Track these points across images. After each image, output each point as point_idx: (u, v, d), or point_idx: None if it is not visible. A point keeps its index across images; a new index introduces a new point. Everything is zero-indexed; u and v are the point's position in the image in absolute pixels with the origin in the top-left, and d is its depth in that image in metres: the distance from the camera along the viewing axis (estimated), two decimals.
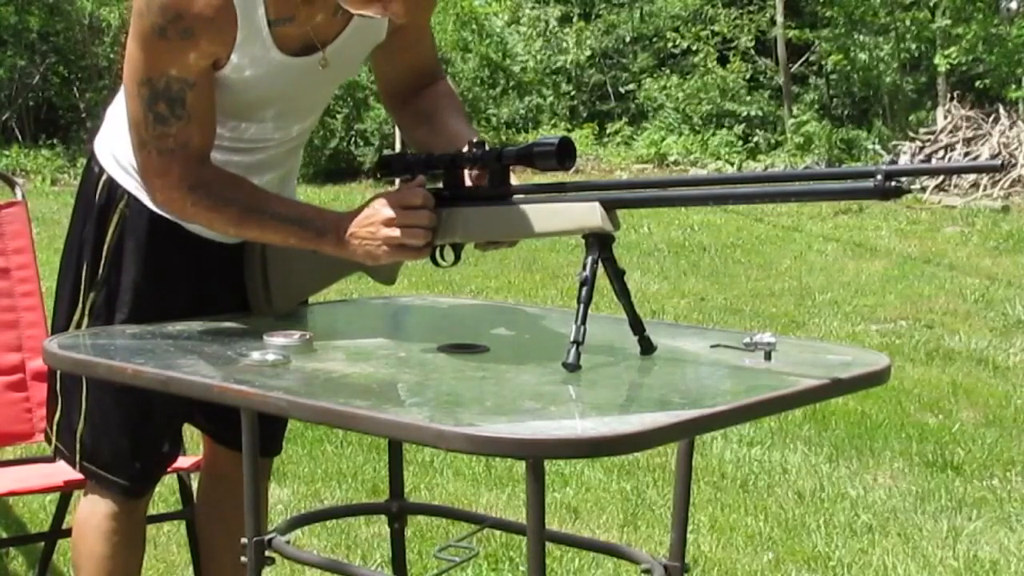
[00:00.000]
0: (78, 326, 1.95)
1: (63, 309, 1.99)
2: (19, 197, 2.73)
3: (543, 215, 1.68)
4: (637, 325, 1.68)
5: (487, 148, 1.75)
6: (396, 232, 1.72)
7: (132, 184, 1.93)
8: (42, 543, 2.72)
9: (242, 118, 1.87)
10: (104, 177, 1.95)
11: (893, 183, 1.41)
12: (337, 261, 1.88)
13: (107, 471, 1.97)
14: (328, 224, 1.77)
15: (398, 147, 10.26)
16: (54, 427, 2.02)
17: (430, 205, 1.73)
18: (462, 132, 1.89)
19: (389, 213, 1.72)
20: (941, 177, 10.53)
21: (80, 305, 1.96)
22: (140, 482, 2.01)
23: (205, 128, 1.77)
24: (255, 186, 1.82)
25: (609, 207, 1.61)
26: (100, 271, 1.94)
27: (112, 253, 1.94)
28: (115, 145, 1.95)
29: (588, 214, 1.62)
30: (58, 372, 1.98)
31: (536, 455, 1.32)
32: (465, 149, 1.77)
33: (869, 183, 1.42)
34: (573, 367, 1.54)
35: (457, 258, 1.82)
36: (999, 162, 1.48)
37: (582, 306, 1.55)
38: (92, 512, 2.00)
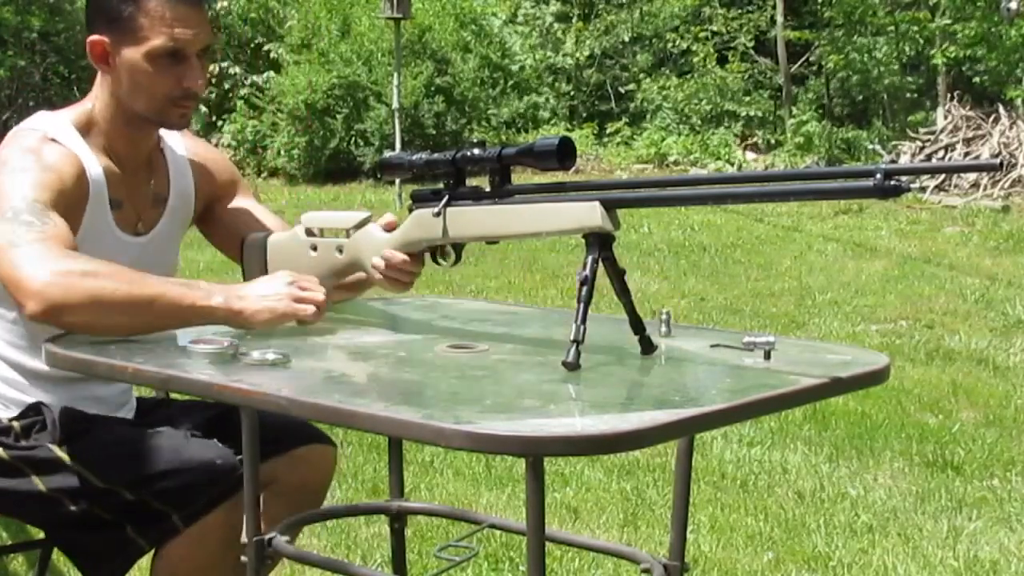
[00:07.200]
0: None
1: None
2: None
3: (544, 215, 1.68)
4: (637, 325, 1.68)
5: (487, 148, 1.75)
6: (296, 291, 1.79)
7: None
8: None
9: None
10: None
11: (892, 182, 1.41)
12: (337, 262, 1.89)
13: (208, 495, 1.86)
14: (215, 286, 1.79)
15: (398, 147, 10.24)
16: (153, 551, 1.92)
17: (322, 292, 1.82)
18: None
19: (289, 278, 1.82)
20: (941, 177, 10.51)
21: None
22: (234, 471, 1.86)
23: (70, 236, 1.82)
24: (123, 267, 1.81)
25: (609, 207, 1.62)
26: None
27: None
28: None
29: (588, 214, 1.62)
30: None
31: (536, 452, 1.32)
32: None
33: (869, 182, 1.43)
34: (573, 366, 1.55)
35: (458, 258, 1.82)
36: (999, 161, 1.48)
37: (582, 305, 1.55)
38: (197, 556, 1.89)
